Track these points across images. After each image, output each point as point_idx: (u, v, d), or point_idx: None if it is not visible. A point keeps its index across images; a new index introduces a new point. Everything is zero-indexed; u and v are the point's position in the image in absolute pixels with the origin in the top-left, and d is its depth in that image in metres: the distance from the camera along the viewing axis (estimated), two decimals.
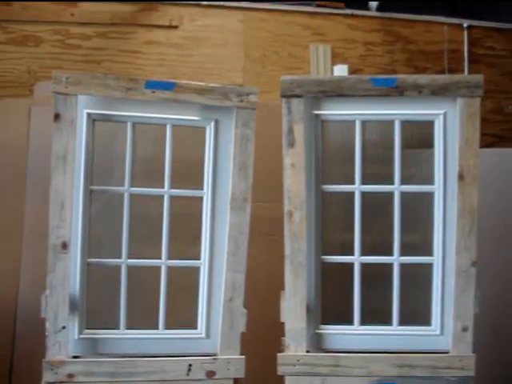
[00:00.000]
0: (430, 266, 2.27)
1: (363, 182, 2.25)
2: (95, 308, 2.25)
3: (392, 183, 2.25)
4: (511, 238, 3.64)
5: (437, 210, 2.24)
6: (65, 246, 2.11)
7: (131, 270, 2.24)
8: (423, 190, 2.27)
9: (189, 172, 2.29)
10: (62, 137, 2.11)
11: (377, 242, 2.35)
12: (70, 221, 2.12)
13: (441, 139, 2.23)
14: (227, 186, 2.21)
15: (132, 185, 2.21)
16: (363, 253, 2.26)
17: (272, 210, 2.82)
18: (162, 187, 2.23)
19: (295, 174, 2.18)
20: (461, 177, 2.19)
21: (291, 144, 2.18)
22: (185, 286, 2.32)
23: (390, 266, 2.28)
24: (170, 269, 2.24)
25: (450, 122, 2.22)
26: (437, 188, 2.24)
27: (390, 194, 2.26)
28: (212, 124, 2.22)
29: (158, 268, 2.24)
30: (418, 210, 2.34)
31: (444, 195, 2.23)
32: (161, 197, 2.24)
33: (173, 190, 2.23)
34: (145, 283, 2.35)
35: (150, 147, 2.36)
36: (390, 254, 2.27)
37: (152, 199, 2.30)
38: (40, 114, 3.01)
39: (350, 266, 2.27)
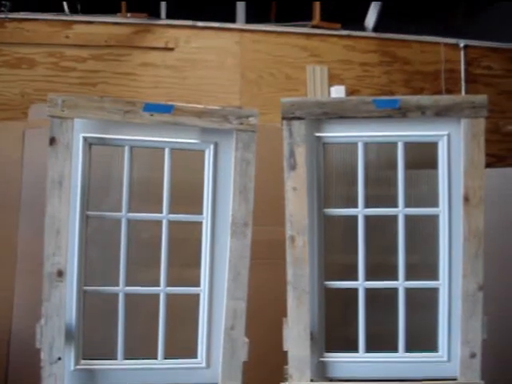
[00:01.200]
0: (436, 289, 2.21)
1: (366, 205, 2.20)
2: (92, 337, 2.18)
3: (396, 205, 2.21)
4: None
5: (442, 233, 2.19)
6: (60, 273, 2.04)
7: (129, 297, 2.17)
8: (428, 212, 2.23)
9: (188, 196, 2.24)
10: (58, 161, 2.05)
11: (381, 265, 2.30)
12: (65, 248, 2.06)
13: (445, 160, 2.19)
14: (227, 210, 2.15)
15: (129, 208, 2.16)
16: (367, 276, 2.21)
17: (271, 233, 2.77)
18: (161, 211, 2.17)
19: (297, 197, 2.13)
20: (466, 199, 2.15)
21: (293, 167, 2.14)
22: (184, 313, 2.26)
23: (394, 289, 2.22)
24: (168, 295, 2.18)
25: (453, 142, 2.18)
26: (441, 211, 2.19)
27: (394, 216, 2.21)
28: (211, 147, 2.17)
29: (157, 295, 2.17)
30: (423, 233, 2.29)
31: (449, 218, 2.18)
32: (159, 221, 2.18)
33: (171, 215, 2.18)
34: (143, 311, 2.29)
35: (147, 169, 2.31)
36: (395, 276, 2.22)
37: (150, 223, 2.25)
38: (34, 137, 2.96)
39: (354, 290, 2.21)
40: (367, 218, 2.21)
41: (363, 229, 2.20)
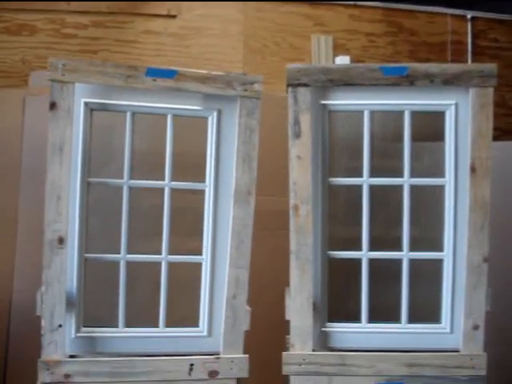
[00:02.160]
0: (440, 261, 2.19)
1: (371, 176, 2.17)
2: (93, 305, 2.17)
3: (401, 177, 2.18)
4: None
5: (447, 204, 2.17)
6: (61, 240, 2.02)
7: (130, 265, 2.16)
8: (433, 183, 2.20)
9: (190, 166, 2.20)
10: (59, 126, 2.02)
11: (385, 238, 2.27)
12: (66, 214, 2.03)
13: (452, 131, 2.15)
14: (230, 178, 2.12)
15: (131, 176, 2.12)
16: (371, 248, 2.18)
17: (276, 204, 2.75)
18: (163, 180, 2.14)
19: (301, 166, 2.10)
20: (473, 169, 2.12)
21: (297, 135, 2.10)
22: (186, 282, 2.24)
23: (398, 261, 2.20)
24: (170, 264, 2.16)
25: (461, 112, 2.14)
26: (447, 181, 2.16)
27: (399, 188, 2.18)
28: (214, 114, 2.13)
29: (159, 264, 2.15)
30: (428, 204, 2.26)
31: (455, 189, 2.15)
32: (161, 190, 2.15)
33: (173, 183, 2.15)
34: (144, 279, 2.27)
35: (149, 140, 2.28)
36: (399, 249, 2.19)
37: (151, 193, 2.22)
38: (35, 104, 2.92)
39: (358, 261, 2.19)
40: (372, 188, 2.18)
41: (368, 199, 2.17)
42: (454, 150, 2.15)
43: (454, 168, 2.16)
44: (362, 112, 2.17)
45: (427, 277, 2.26)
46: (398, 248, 2.20)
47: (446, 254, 2.17)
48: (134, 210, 2.17)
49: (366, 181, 2.16)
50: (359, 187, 2.18)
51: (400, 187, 2.18)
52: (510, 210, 3.56)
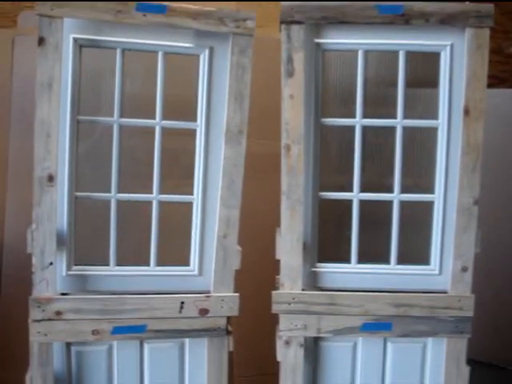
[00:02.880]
0: (430, 204, 2.20)
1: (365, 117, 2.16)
2: (84, 244, 2.17)
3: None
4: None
5: (440, 146, 2.16)
6: (51, 178, 2.01)
7: (121, 206, 2.15)
8: (426, 124, 2.18)
9: (181, 108, 2.17)
10: (47, 62, 1.98)
11: (376, 181, 2.27)
12: (56, 152, 2.01)
13: (446, 72, 2.13)
14: (222, 117, 2.10)
15: (121, 116, 2.10)
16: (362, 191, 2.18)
17: (267, 147, 2.73)
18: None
19: (294, 105, 2.07)
20: (466, 111, 2.10)
21: (290, 74, 2.07)
22: (177, 222, 2.24)
23: (389, 205, 2.20)
24: (162, 206, 2.15)
25: (456, 53, 2.11)
26: (441, 123, 2.15)
27: (391, 133, 2.16)
28: (206, 51, 2.09)
29: (150, 205, 2.15)
30: (420, 149, 2.25)
31: (448, 131, 2.14)
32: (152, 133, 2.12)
33: (165, 122, 2.12)
34: (136, 220, 2.27)
35: (140, 85, 2.24)
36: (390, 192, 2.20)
37: (144, 135, 2.20)
38: (24, 45, 2.86)
39: (348, 203, 2.19)
40: (365, 131, 2.16)
41: (360, 141, 2.15)
42: (447, 92, 2.13)
43: (448, 110, 2.14)
44: (356, 51, 2.13)
45: (418, 219, 2.27)
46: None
47: (437, 197, 2.17)
48: (125, 152, 2.15)
49: (358, 121, 2.14)
50: (352, 131, 2.16)
51: (393, 131, 2.16)
52: (506, 154, 3.58)
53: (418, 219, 2.28)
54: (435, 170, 2.18)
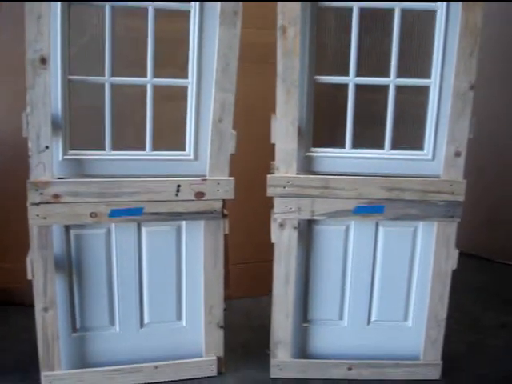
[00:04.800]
0: (426, 91, 2.19)
1: None
2: (80, 129, 2.17)
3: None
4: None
5: (438, 28, 2.12)
6: (43, 60, 1.97)
7: (116, 91, 2.12)
8: (426, 7, 2.13)
9: None
10: None
11: (373, 67, 2.24)
12: (47, 34, 1.97)
13: None
14: None
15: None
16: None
17: (262, 36, 2.67)
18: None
19: None
20: None
21: None
22: (173, 108, 2.24)
23: (384, 93, 2.19)
24: (157, 91, 2.14)
25: None
26: (439, 6, 2.10)
27: (390, 13, 2.12)
28: None
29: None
30: (420, 33, 2.20)
31: (447, 13, 2.10)
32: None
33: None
34: (132, 105, 2.26)
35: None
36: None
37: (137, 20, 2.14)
38: None
39: (344, 89, 2.18)
40: (363, 13, 2.12)
41: (357, 20, 2.11)
42: None
43: None
44: None
45: (413, 105, 2.27)
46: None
47: (433, 81, 2.16)
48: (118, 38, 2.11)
49: (356, 3, 2.09)
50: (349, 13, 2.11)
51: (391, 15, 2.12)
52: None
53: (412, 107, 2.28)
54: (432, 55, 2.15)
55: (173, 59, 2.23)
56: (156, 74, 2.12)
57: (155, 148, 2.18)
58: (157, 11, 2.07)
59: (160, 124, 2.19)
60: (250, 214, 2.80)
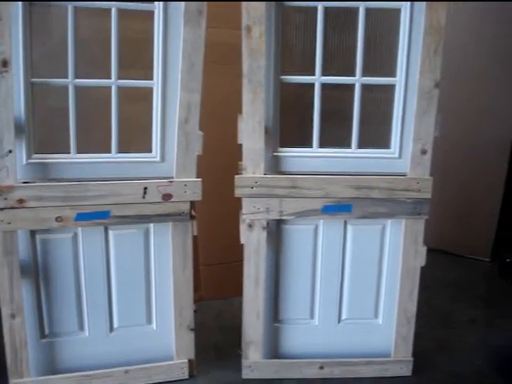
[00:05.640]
0: (392, 89, 2.20)
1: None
2: (44, 132, 2.14)
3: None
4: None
5: (402, 27, 2.13)
6: (5, 63, 1.94)
7: (83, 93, 2.10)
8: (390, 6, 2.14)
9: None
10: None
11: (337, 66, 2.25)
12: (8, 36, 1.93)
13: None
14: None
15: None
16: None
17: (227, 37, 2.66)
18: None
19: None
20: None
21: None
22: (140, 109, 2.21)
23: (352, 91, 2.19)
24: (125, 92, 2.11)
25: None
26: (404, 4, 2.11)
27: (355, 12, 2.13)
28: None
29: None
30: (384, 30, 2.22)
31: (411, 11, 2.11)
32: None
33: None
34: (99, 107, 2.23)
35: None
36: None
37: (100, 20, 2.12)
38: None
39: (311, 88, 2.18)
40: (329, 14, 2.12)
41: (322, 20, 2.11)
42: None
43: None
44: None
45: (379, 104, 2.28)
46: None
47: (398, 80, 2.17)
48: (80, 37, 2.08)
49: (320, 2, 2.10)
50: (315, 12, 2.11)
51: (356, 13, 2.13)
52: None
53: (378, 105, 2.29)
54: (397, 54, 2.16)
55: (141, 60, 2.20)
56: (124, 75, 2.09)
57: (122, 150, 2.16)
58: (121, 11, 2.04)
59: (128, 125, 2.17)
60: (220, 214, 2.79)
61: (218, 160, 2.60)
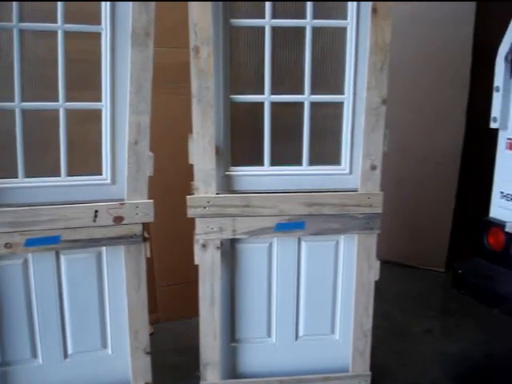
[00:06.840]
0: (341, 106, 2.23)
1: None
2: None
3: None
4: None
5: (349, 46, 2.17)
6: None
7: (32, 114, 2.06)
8: (336, 24, 2.18)
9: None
10: None
11: (287, 84, 2.27)
12: None
13: None
14: (127, 20, 2.02)
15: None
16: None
17: (177, 56, 2.66)
18: None
19: (202, 5, 2.01)
20: (374, 10, 2.10)
21: None
22: (91, 131, 2.18)
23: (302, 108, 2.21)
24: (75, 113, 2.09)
25: None
26: (349, 23, 2.15)
27: (302, 31, 2.15)
28: None
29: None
30: (332, 48, 2.24)
31: (357, 31, 2.15)
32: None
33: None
34: (49, 129, 2.19)
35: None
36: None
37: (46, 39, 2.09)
38: None
39: (260, 108, 2.19)
40: (276, 32, 2.14)
41: (270, 38, 2.13)
42: None
43: (356, 10, 2.14)
44: None
45: (329, 122, 2.30)
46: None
47: (347, 97, 2.21)
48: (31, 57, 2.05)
49: (268, 22, 2.11)
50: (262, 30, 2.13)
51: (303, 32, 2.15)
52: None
53: (328, 122, 2.31)
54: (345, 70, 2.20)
55: (93, 81, 2.18)
56: (78, 97, 2.07)
57: (73, 172, 2.13)
58: (67, 33, 2.02)
59: (79, 147, 2.14)
60: (175, 234, 2.77)
61: (172, 180, 2.59)
